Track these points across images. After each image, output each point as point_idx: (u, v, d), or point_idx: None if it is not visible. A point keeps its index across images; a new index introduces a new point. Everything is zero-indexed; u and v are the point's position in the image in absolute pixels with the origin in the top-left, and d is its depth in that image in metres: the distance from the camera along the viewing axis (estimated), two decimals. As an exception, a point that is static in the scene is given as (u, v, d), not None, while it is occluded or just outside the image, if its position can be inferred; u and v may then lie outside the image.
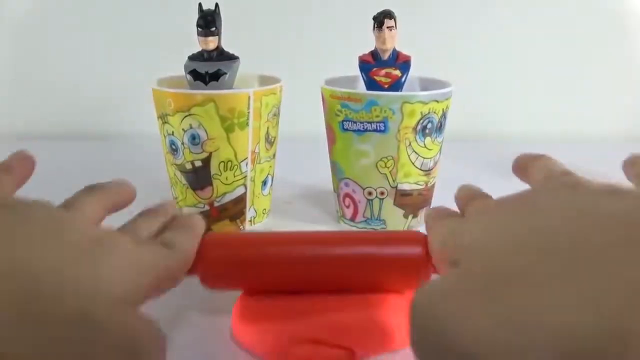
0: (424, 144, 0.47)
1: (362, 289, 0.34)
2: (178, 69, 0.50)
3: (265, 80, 0.53)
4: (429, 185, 0.50)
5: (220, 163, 0.47)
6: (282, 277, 0.34)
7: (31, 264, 0.23)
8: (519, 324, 0.18)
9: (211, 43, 0.48)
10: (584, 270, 0.19)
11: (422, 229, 0.51)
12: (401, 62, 0.48)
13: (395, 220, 0.49)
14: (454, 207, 0.34)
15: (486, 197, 0.32)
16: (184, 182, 0.49)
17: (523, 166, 0.34)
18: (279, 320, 0.33)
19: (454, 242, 0.28)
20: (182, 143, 0.47)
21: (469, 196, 0.32)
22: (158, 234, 0.32)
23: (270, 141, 0.50)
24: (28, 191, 0.27)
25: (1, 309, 0.20)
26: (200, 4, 0.48)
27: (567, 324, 0.17)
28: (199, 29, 0.47)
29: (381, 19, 0.47)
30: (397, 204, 0.49)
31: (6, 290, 0.21)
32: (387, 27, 0.47)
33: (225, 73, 0.48)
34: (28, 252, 0.23)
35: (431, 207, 0.35)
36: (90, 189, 0.32)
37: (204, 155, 0.47)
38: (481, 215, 0.28)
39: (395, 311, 0.33)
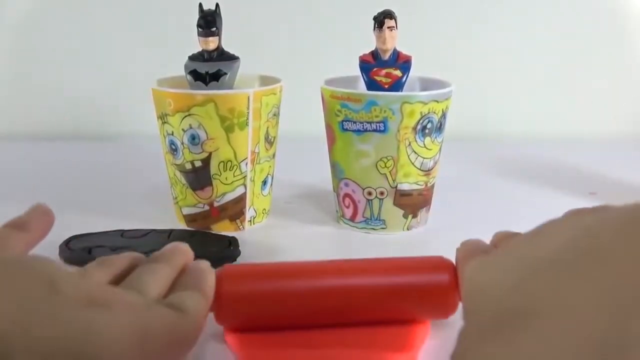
0: (424, 144, 0.47)
1: (383, 319, 0.33)
2: (178, 69, 0.50)
3: (265, 80, 0.53)
4: (429, 185, 0.50)
5: (220, 163, 0.47)
6: (306, 311, 0.32)
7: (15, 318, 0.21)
8: None
9: (211, 43, 0.48)
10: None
11: (422, 230, 0.51)
12: (402, 62, 0.48)
13: (395, 220, 0.49)
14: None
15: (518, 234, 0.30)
16: (184, 182, 0.49)
17: None
18: (287, 350, 0.32)
19: (473, 283, 0.26)
20: (182, 143, 0.47)
21: (505, 235, 0.32)
22: (167, 294, 0.29)
23: (270, 141, 0.50)
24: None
25: None
26: (200, 4, 0.48)
27: None
28: (199, 29, 0.47)
29: (382, 19, 0.47)
30: (396, 204, 0.49)
31: None
32: (388, 27, 0.47)
33: (226, 73, 0.48)
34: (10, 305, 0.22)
35: (464, 241, 0.34)
36: (101, 261, 0.30)
37: (204, 155, 0.47)
38: (499, 252, 0.27)
39: (407, 346, 0.32)
